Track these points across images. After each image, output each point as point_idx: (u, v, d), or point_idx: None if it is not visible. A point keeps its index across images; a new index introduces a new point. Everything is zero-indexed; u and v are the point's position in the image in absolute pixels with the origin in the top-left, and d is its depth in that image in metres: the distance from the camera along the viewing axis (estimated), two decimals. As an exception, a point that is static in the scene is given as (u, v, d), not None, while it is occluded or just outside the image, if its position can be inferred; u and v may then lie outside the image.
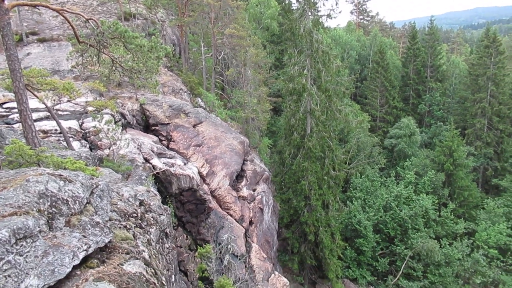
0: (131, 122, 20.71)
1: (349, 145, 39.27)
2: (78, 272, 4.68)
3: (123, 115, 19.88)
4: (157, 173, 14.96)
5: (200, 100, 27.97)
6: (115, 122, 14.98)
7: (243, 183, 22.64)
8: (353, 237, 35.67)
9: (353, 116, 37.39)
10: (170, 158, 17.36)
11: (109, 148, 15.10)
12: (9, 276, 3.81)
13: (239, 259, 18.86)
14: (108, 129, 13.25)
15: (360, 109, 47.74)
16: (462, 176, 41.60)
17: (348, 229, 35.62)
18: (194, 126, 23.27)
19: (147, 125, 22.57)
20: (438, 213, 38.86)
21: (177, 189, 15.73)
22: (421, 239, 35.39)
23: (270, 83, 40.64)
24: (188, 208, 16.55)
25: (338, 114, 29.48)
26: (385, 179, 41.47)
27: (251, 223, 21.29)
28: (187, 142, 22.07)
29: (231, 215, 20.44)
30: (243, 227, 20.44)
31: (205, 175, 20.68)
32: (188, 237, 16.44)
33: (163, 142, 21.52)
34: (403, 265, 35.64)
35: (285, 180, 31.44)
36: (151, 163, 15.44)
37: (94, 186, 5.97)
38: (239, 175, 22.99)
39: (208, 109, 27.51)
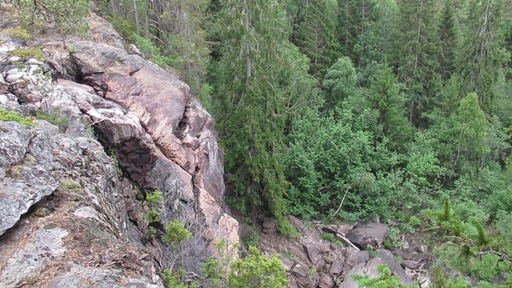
0: (62, 72, 19.38)
1: (289, 87, 39.71)
2: (27, 221, 4.53)
3: (51, 65, 18.50)
4: (96, 124, 14.37)
5: (134, 47, 26.58)
6: (44, 72, 13.92)
7: (186, 130, 22.41)
8: (296, 176, 37.13)
9: (292, 58, 37.51)
10: (108, 108, 16.65)
11: (41, 101, 14.15)
12: None
13: (188, 204, 19.11)
14: (38, 80, 12.30)
15: (298, 50, 47.87)
16: (395, 112, 43.92)
17: (291, 169, 36.94)
18: (131, 74, 22.27)
19: (79, 75, 21.26)
20: (373, 147, 41.18)
21: (118, 139, 15.27)
22: (358, 173, 37.65)
23: (207, 26, 39.31)
24: (132, 158, 16.23)
25: (278, 56, 29.47)
26: (324, 118, 42.85)
27: (197, 169, 21.39)
28: (125, 91, 21.18)
29: (176, 163, 20.36)
30: (190, 173, 20.53)
31: (146, 124, 20.18)
32: (135, 187, 16.27)
33: (99, 92, 20.49)
34: (343, 198, 38.03)
35: (228, 125, 31.56)
36: (88, 114, 14.73)
37: (32, 135, 5.62)
38: (182, 122, 22.68)
39: (144, 56, 26.28)
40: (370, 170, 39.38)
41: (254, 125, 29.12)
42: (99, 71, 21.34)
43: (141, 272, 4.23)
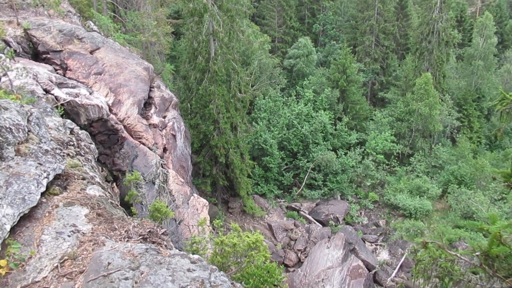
0: (17, 50, 18.26)
1: (251, 67, 39.56)
2: (44, 200, 4.35)
3: (6, 42, 17.38)
4: (62, 104, 13.72)
5: (92, 24, 25.40)
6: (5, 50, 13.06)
7: (152, 111, 21.88)
8: (260, 155, 37.41)
9: (254, 38, 37.30)
10: (73, 88, 15.92)
11: (0, 80, 13.31)
12: None
13: (152, 183, 18.82)
14: (0, 57, 11.52)
15: (259, 30, 47.62)
16: (354, 91, 44.96)
17: (255, 149, 37.15)
18: (91, 52, 21.31)
19: (36, 53, 20.11)
20: (334, 127, 42.14)
21: (85, 120, 14.70)
22: (320, 152, 38.47)
23: (168, 3, 38.15)
24: (100, 139, 15.69)
25: (241, 35, 29.18)
26: (286, 98, 43.21)
27: (165, 150, 21.05)
28: (86, 70, 20.29)
29: (144, 144, 19.91)
30: (157, 154, 20.16)
31: (111, 104, 19.48)
32: (104, 169, 15.80)
33: (58, 71, 19.50)
34: (306, 177, 38.82)
35: (192, 106, 31.13)
36: (52, 94, 14.02)
37: (29, 113, 5.31)
38: (147, 103, 22.10)
39: (103, 34, 25.21)
40: (331, 149, 40.34)
41: (219, 105, 28.91)
42: (58, 49, 20.28)
43: (165, 246, 4.20)
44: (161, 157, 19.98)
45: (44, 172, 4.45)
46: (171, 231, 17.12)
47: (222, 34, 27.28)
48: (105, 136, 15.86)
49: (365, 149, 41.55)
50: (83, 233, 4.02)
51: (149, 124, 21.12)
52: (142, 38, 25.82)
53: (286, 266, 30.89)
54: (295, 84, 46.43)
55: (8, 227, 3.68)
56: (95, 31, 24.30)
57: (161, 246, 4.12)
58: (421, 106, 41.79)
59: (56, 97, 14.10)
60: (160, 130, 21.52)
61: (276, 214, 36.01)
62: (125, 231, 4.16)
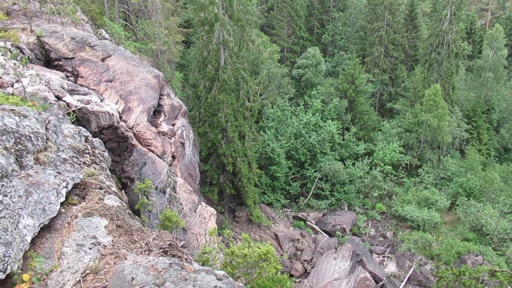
0: (30, 57, 18.49)
1: (260, 76, 39.67)
2: (63, 210, 4.33)
3: (20, 49, 17.61)
4: (73, 111, 13.83)
5: (104, 32, 25.71)
6: (20, 58, 13.21)
7: (161, 119, 21.99)
8: (267, 164, 37.38)
9: (263, 47, 37.47)
10: (85, 95, 16.06)
11: (12, 86, 13.46)
12: (4, 217, 3.39)
13: (163, 192, 18.82)
14: (15, 64, 11.65)
15: (268, 39, 47.82)
16: (363, 102, 44.93)
17: (263, 158, 37.13)
18: (102, 60, 21.54)
19: (48, 60, 20.37)
20: (342, 137, 42.03)
21: (96, 127, 14.79)
22: (328, 161, 38.37)
23: (178, 12, 38.49)
24: (110, 146, 15.76)
25: (251, 45, 29.31)
26: (294, 108, 43.23)
27: (173, 158, 21.09)
28: (97, 77, 20.49)
29: (152, 151, 19.97)
30: (166, 162, 20.21)
31: (121, 112, 19.62)
32: (113, 176, 15.84)
33: (70, 78, 19.73)
34: (313, 187, 38.69)
35: (200, 114, 31.22)
36: (64, 101, 14.15)
37: (47, 121, 5.33)
38: (157, 111, 22.22)
39: (114, 42, 25.48)
40: (338, 159, 40.23)
41: (227, 114, 28.97)
42: (69, 57, 20.54)
43: (186, 259, 4.16)
44: (170, 165, 20.01)
45: (63, 181, 4.44)
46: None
47: (232, 43, 27.43)
48: (115, 143, 15.94)
49: (372, 160, 41.35)
50: (104, 245, 3.98)
51: (158, 132, 21.20)
52: (153, 46, 26.03)
53: (292, 276, 30.63)
54: (303, 94, 46.45)
55: (29, 239, 3.66)
56: (106, 39, 24.57)
57: (182, 260, 4.07)
58: (430, 118, 41.58)
59: (67, 104, 14.22)
60: (169, 138, 21.59)
61: (283, 224, 35.83)
62: (145, 244, 4.11)
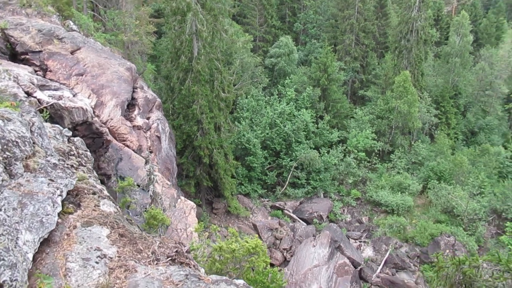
0: (-5, 51, 17.59)
1: (233, 66, 39.32)
2: (60, 220, 4.05)
3: (-17, 43, 16.69)
4: (45, 107, 13.24)
5: (72, 23, 24.69)
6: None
7: (135, 112, 21.44)
8: (243, 155, 37.28)
9: (236, 37, 37.07)
10: (56, 90, 15.41)
11: (-23, 83, 12.73)
12: (2, 234, 3.12)
13: (143, 189, 18.47)
14: (-19, 60, 11.00)
15: (241, 29, 47.39)
16: (335, 90, 45.32)
17: (239, 148, 37.00)
18: (72, 53, 20.72)
19: (13, 54, 19.41)
20: (316, 125, 42.35)
21: (70, 123, 14.24)
22: (303, 150, 38.62)
23: (149, 2, 37.48)
24: (86, 143, 15.19)
25: (225, 34, 28.93)
26: (268, 97, 43.18)
27: (150, 152, 20.66)
28: (67, 71, 19.73)
29: (128, 146, 19.49)
30: (143, 157, 19.78)
31: (93, 106, 18.98)
32: (90, 173, 15.39)
33: (38, 72, 18.90)
34: (289, 176, 38.91)
35: (175, 106, 30.72)
36: (35, 97, 13.53)
37: (31, 123, 4.99)
38: (131, 104, 21.63)
39: (83, 33, 24.57)
40: (313, 147, 40.56)
41: (202, 106, 28.61)
42: (37, 50, 19.65)
43: (194, 266, 4.00)
44: (147, 160, 19.62)
45: (57, 189, 4.15)
46: (160, 235, 16.82)
47: (206, 33, 26.98)
48: (90, 140, 15.41)
49: (346, 147, 41.93)
50: (110, 257, 3.75)
51: (133, 126, 20.71)
52: (123, 37, 25.27)
53: (272, 265, 30.86)
54: (277, 83, 46.43)
55: (30, 256, 3.34)
56: (75, 30, 23.64)
57: (189, 267, 3.91)
58: (401, 104, 42.40)
59: (39, 100, 13.59)
60: (145, 132, 21.13)
61: (261, 214, 35.96)
62: (151, 253, 3.92)
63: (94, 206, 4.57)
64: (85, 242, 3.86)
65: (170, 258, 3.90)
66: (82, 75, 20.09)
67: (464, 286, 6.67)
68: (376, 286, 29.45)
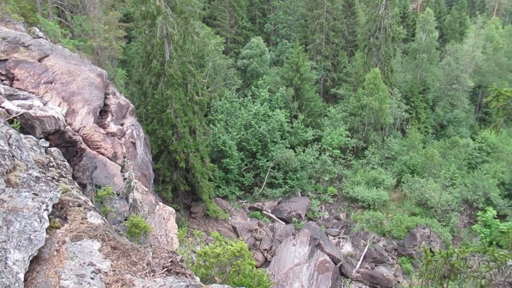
0: (-43, 61, 16.92)
1: (206, 69, 39.14)
2: (47, 236, 3.88)
3: None
4: (15, 117, 12.82)
5: (38, 30, 24.01)
6: None
7: (109, 119, 21.02)
8: (219, 158, 37.15)
9: (208, 39, 36.93)
10: (25, 99, 14.94)
11: None
12: None
13: (121, 197, 18.13)
14: None
15: (212, 31, 47.20)
16: (308, 89, 45.75)
17: (214, 151, 36.86)
18: (39, 60, 20.14)
19: (-23, 64, 18.74)
20: (291, 125, 42.64)
21: (41, 133, 13.82)
22: (279, 150, 38.82)
23: (117, 6, 36.82)
24: (59, 152, 14.80)
25: (196, 37, 28.75)
26: (242, 99, 43.16)
27: (124, 158, 20.30)
28: (35, 79, 19.16)
29: (103, 154, 19.07)
30: (118, 164, 19.41)
31: (65, 114, 18.51)
32: (64, 183, 15.00)
33: (5, 82, 18.27)
34: (266, 176, 39.02)
35: (148, 111, 30.33)
36: (3, 107, 13.07)
37: (8, 136, 4.77)
38: (103, 111, 21.18)
39: (50, 40, 23.93)
40: (289, 146, 40.84)
41: (176, 109, 28.35)
42: (2, 59, 19.00)
43: (190, 275, 3.92)
44: (123, 167, 19.28)
45: (43, 203, 3.99)
46: (139, 243, 16.55)
47: (177, 36, 26.75)
48: (64, 149, 14.99)
49: (321, 145, 42.39)
50: (105, 272, 3.62)
51: (107, 133, 20.29)
52: (93, 43, 24.73)
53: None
54: (250, 84, 46.47)
55: (22, 276, 3.15)
56: (41, 37, 23.00)
57: (185, 276, 3.84)
58: (372, 101, 43.18)
59: (7, 111, 13.15)
60: (119, 139, 20.74)
61: (240, 216, 35.92)
62: (146, 264, 3.82)
63: (82, 219, 4.43)
64: (77, 257, 3.73)
65: (166, 269, 3.82)
66: (51, 83, 19.56)
67: (452, 277, 6.83)
68: (357, 281, 29.89)
